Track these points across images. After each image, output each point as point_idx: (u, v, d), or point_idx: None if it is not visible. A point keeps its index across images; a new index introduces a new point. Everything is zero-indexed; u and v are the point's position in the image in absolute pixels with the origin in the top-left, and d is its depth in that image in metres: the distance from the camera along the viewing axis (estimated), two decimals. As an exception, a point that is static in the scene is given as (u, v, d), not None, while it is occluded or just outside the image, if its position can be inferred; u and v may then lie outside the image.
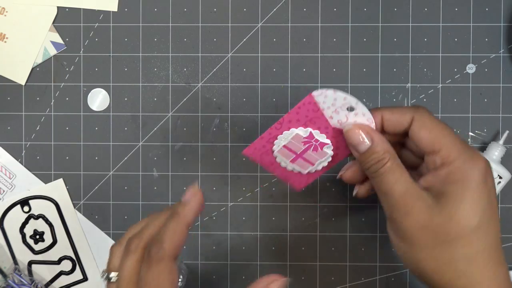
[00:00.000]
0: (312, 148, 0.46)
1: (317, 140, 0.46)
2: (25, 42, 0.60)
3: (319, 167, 0.48)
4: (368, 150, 0.43)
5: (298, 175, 0.48)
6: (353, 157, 0.46)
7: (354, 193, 0.48)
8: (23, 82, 0.60)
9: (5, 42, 0.60)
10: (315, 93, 0.44)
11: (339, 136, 0.46)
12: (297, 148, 0.46)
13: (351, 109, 0.44)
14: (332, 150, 0.46)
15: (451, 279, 0.41)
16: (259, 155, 0.47)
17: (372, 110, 0.44)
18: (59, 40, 0.59)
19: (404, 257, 0.43)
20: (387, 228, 0.46)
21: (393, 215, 0.41)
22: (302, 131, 0.45)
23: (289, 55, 0.60)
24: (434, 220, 0.40)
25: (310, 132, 0.45)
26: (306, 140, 0.46)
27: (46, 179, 0.61)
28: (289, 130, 0.45)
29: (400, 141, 0.46)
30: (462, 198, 0.40)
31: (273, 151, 0.46)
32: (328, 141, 0.46)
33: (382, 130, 0.45)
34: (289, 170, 0.48)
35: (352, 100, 0.44)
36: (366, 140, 0.43)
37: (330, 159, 0.47)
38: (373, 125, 0.44)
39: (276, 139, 0.46)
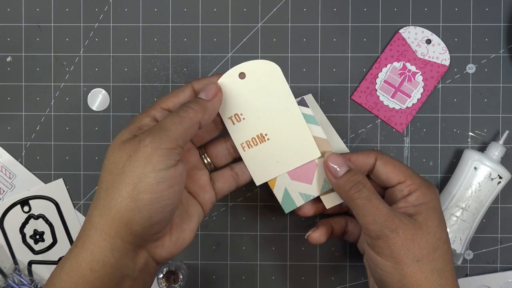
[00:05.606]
0: (406, 78, 0.56)
1: (409, 70, 0.56)
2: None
3: (415, 100, 0.56)
4: (348, 172, 0.48)
5: (399, 114, 0.57)
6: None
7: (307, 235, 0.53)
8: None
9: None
10: (401, 30, 0.58)
11: (426, 67, 0.57)
12: (395, 81, 0.57)
13: (428, 41, 0.57)
14: (422, 80, 0.56)
15: None
16: (365, 97, 0.58)
17: (342, 155, 0.50)
18: None
19: (389, 278, 0.45)
20: (365, 258, 0.50)
21: (382, 233, 0.45)
22: (397, 64, 0.56)
23: (289, 55, 0.60)
24: (418, 234, 0.45)
25: (403, 64, 0.57)
26: (401, 71, 0.57)
27: (46, 179, 0.61)
28: (386, 67, 0.57)
29: None
30: (433, 217, 0.47)
31: (376, 90, 0.57)
32: (418, 71, 0.56)
33: None
34: (390, 108, 0.56)
35: (428, 32, 0.57)
36: (344, 164, 0.48)
37: (422, 90, 0.56)
38: (447, 53, 0.57)
39: (377, 77, 0.57)
